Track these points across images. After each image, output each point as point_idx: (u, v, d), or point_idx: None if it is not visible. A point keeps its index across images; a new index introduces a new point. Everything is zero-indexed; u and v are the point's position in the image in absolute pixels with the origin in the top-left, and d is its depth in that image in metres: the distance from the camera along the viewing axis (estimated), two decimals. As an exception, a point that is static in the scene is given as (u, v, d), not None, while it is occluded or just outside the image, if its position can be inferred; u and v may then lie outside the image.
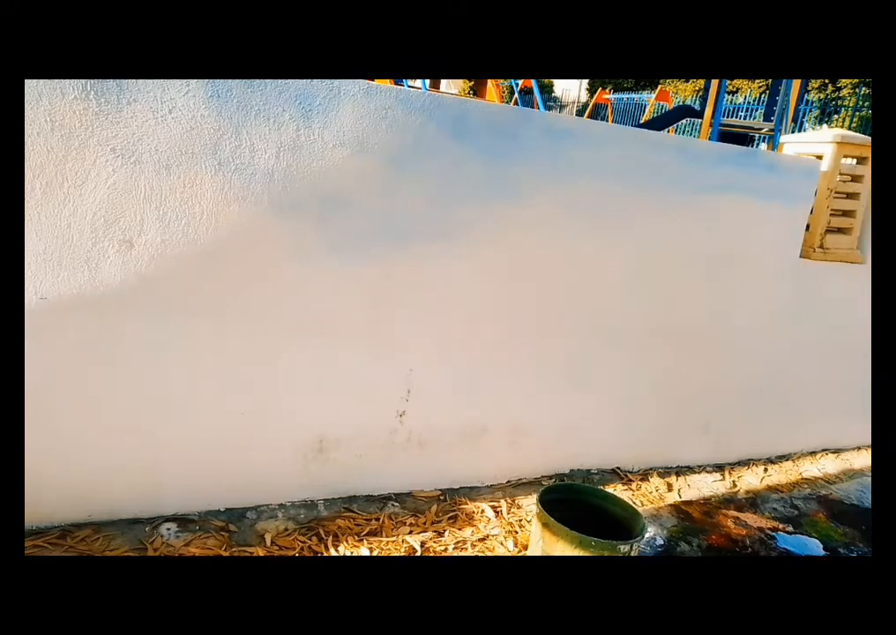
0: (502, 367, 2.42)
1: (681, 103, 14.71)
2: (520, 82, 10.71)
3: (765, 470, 3.07)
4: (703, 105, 8.35)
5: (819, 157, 2.87)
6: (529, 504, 2.43)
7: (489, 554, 2.11)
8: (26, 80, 1.52)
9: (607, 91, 15.82)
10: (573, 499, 2.08)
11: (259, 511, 2.14)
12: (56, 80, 1.57)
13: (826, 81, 15.63)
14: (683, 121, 10.76)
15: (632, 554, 1.83)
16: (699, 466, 3.00)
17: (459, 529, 2.21)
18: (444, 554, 2.07)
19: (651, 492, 2.69)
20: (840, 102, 14.61)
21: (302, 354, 2.07)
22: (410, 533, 2.14)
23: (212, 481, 2.08)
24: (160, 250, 1.80)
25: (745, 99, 15.27)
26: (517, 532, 2.25)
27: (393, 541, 2.08)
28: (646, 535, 2.20)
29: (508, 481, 2.59)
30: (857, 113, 13.05)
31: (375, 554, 2.01)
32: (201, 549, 1.90)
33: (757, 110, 13.09)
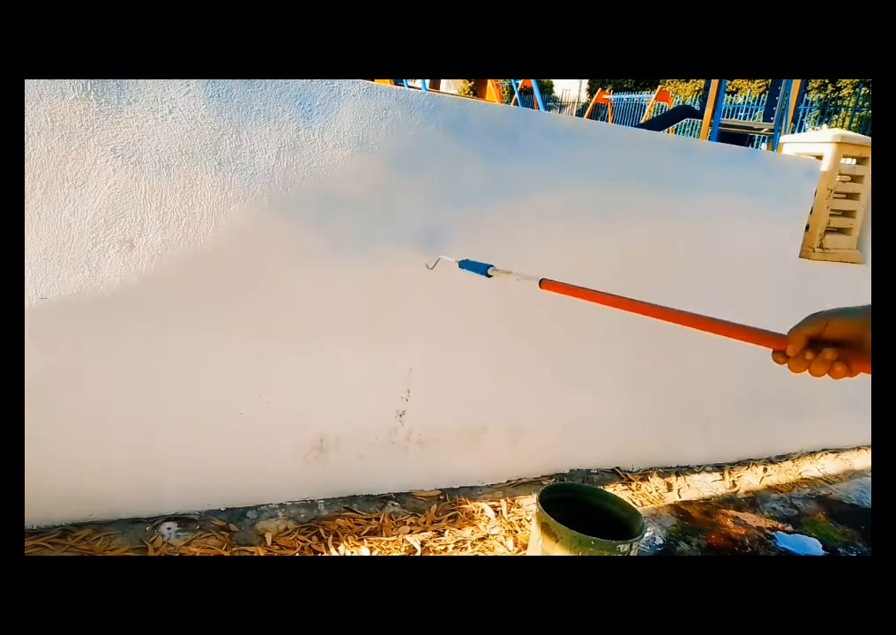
0: (502, 367, 2.42)
1: (681, 103, 14.72)
2: (520, 82, 10.71)
3: (765, 470, 3.07)
4: (703, 105, 8.35)
5: (819, 157, 2.87)
6: (529, 503, 2.44)
7: (488, 553, 2.11)
8: (26, 80, 1.52)
9: (607, 91, 15.82)
10: (573, 499, 2.08)
11: (260, 511, 2.14)
12: (56, 80, 1.57)
13: (826, 81, 15.64)
14: (683, 121, 10.76)
15: (632, 553, 1.83)
16: (699, 466, 3.00)
17: (459, 529, 2.22)
18: (444, 553, 2.07)
19: (651, 492, 2.69)
20: (839, 102, 14.62)
21: (303, 353, 2.07)
22: (410, 532, 2.14)
23: (213, 480, 2.08)
24: (161, 251, 1.80)
25: (745, 99, 15.28)
26: (517, 531, 2.25)
27: (393, 541, 2.08)
28: (646, 535, 2.21)
29: (508, 481, 2.59)
30: (857, 113, 13.06)
31: (375, 553, 2.01)
32: (202, 549, 1.90)
33: (757, 110, 13.10)
